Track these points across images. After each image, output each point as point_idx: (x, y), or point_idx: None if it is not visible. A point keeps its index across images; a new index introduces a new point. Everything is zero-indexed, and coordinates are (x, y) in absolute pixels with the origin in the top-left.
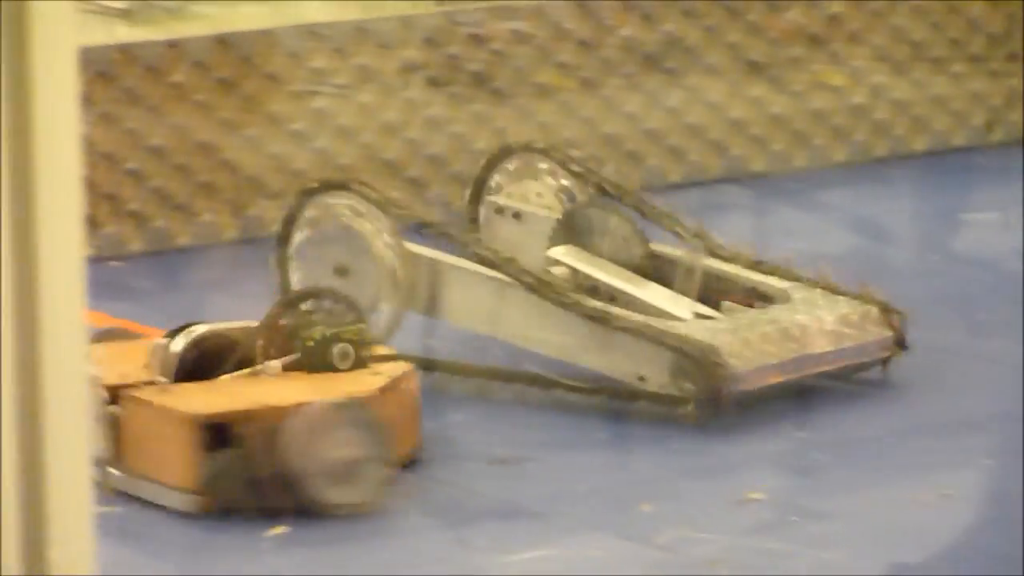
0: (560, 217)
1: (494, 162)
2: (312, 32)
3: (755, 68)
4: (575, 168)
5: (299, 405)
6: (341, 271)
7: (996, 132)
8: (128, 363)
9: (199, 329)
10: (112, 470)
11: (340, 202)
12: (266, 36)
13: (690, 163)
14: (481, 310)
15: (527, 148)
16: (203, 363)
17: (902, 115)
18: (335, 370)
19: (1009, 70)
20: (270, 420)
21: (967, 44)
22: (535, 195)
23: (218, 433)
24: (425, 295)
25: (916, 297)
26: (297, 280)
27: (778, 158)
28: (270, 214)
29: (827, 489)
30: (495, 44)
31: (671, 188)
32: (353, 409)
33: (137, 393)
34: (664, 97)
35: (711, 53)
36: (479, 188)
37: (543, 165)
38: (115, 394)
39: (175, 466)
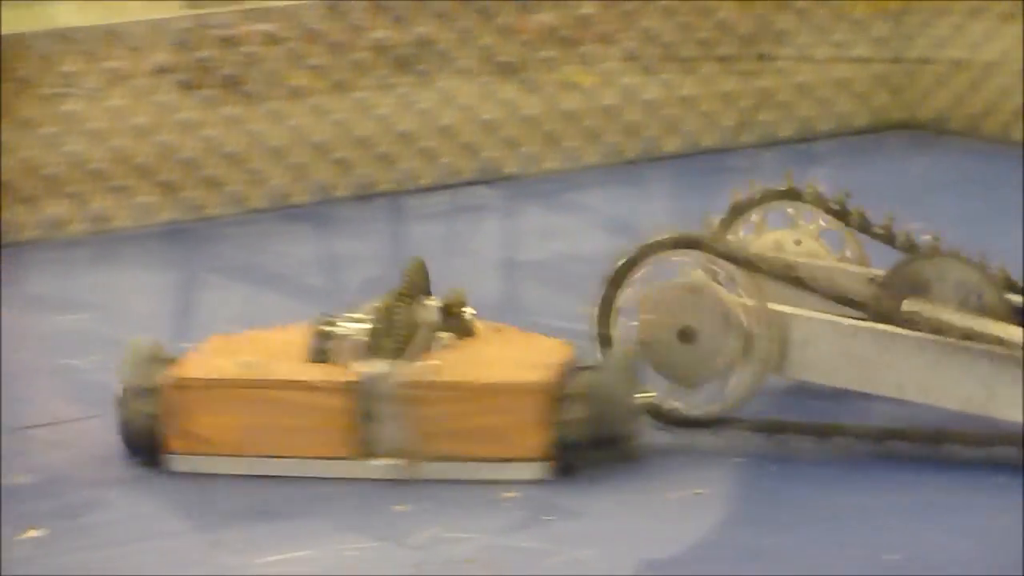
0: (888, 272)
1: (734, 216)
2: (63, 36)
3: (507, 70)
4: (832, 207)
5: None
6: (686, 335)
7: (746, 133)
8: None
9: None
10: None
11: (685, 259)
12: (16, 40)
13: (442, 165)
14: (857, 363)
15: (768, 195)
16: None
17: (653, 116)
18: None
19: (759, 70)
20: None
21: (716, 45)
22: (792, 243)
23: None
24: (780, 353)
25: None
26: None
27: (530, 160)
28: (21, 218)
29: (581, 487)
30: (246, 47)
31: (423, 191)
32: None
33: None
34: (416, 99)
35: (463, 55)
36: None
37: (790, 210)
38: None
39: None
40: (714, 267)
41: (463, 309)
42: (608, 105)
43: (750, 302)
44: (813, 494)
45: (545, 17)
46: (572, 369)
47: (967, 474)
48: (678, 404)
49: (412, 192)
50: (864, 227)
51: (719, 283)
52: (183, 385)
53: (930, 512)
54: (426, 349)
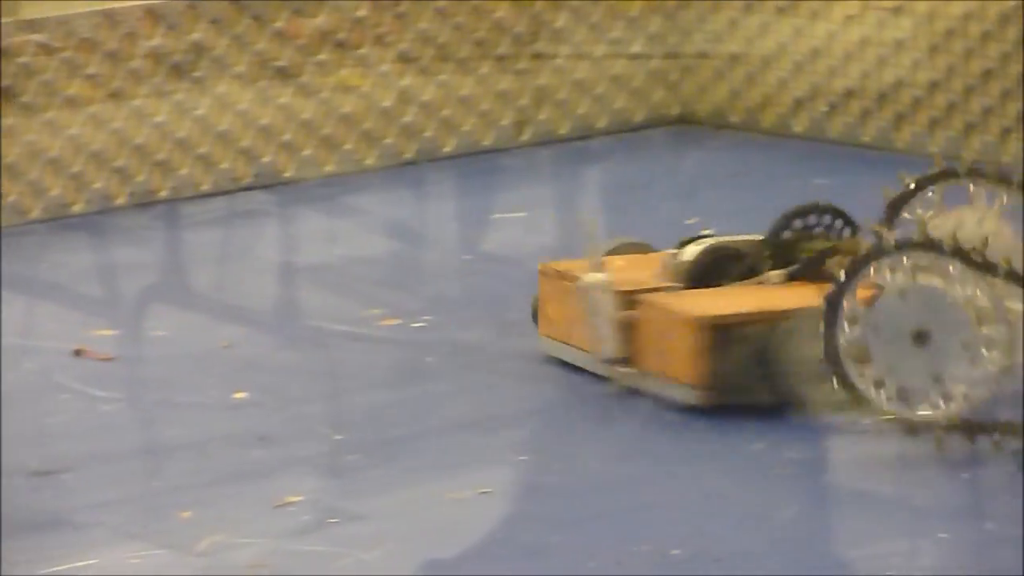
0: None
1: (907, 196)
2: None
3: (283, 74)
4: (1015, 180)
5: (798, 310)
6: (920, 337)
7: (524, 132)
8: (642, 272)
9: (709, 240)
10: (626, 368)
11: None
12: None
13: (220, 171)
14: None
15: (945, 174)
16: (712, 271)
17: (431, 117)
18: (831, 281)
19: (535, 69)
20: (771, 323)
21: (493, 45)
22: (975, 223)
23: (724, 334)
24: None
25: (451, 298)
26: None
27: (308, 164)
28: None
29: (365, 490)
30: (21, 58)
31: (202, 197)
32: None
33: (652, 298)
34: (193, 106)
35: (238, 61)
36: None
37: (971, 188)
38: (632, 299)
39: (684, 364)
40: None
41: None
42: (385, 107)
43: (989, 303)
44: (599, 490)
45: (320, 21)
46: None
47: (753, 465)
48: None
49: (191, 199)
50: None
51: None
52: None
53: (715, 504)
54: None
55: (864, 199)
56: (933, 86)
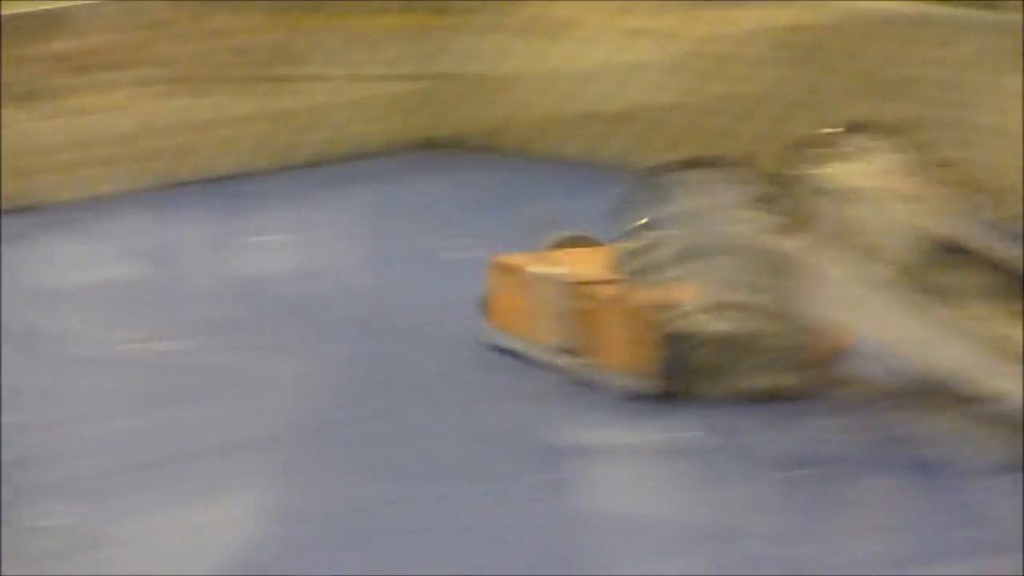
0: None
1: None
2: None
3: (21, 98)
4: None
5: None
6: None
7: (265, 157)
8: (592, 264)
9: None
10: (577, 358)
11: None
12: None
13: None
14: None
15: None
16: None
17: (169, 142)
18: None
19: (277, 92)
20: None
21: (233, 68)
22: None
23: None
24: None
25: (201, 321)
26: None
27: (47, 189)
28: None
29: (120, 514)
30: None
31: None
32: None
33: (601, 290)
34: None
35: None
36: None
37: (867, 144)
38: (581, 290)
39: (631, 353)
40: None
41: None
42: (124, 132)
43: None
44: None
45: (59, 45)
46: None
47: (484, 488)
48: None
49: None
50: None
51: None
52: None
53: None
54: None
55: (606, 218)
56: (672, 107)
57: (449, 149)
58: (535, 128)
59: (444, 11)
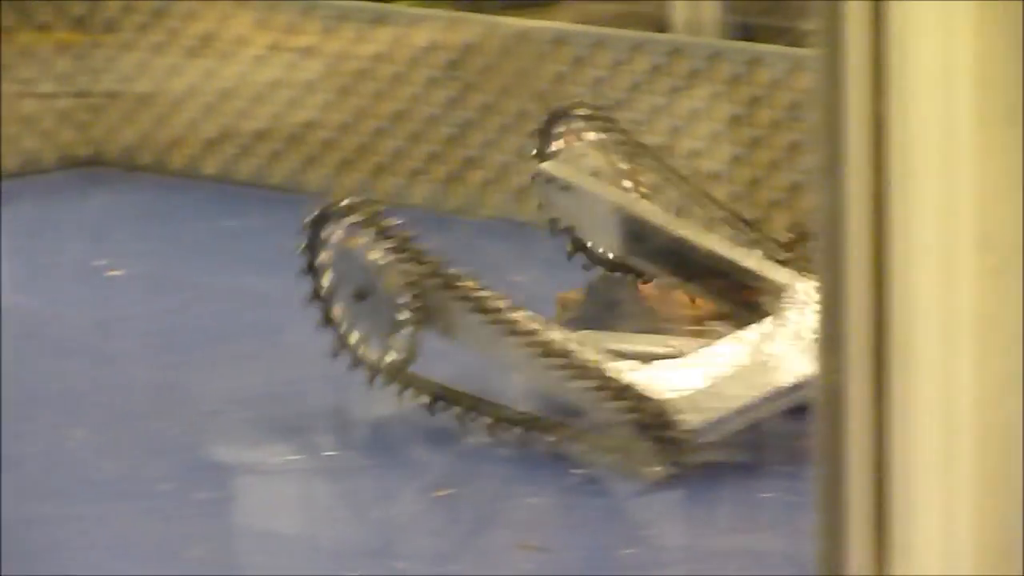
0: None
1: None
2: None
3: None
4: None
5: None
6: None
7: None
8: None
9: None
10: None
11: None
12: None
13: None
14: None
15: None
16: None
17: None
18: None
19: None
20: None
21: None
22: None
23: None
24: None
25: None
26: None
27: None
28: None
29: None
30: None
31: None
32: None
33: None
34: None
35: None
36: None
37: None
38: None
39: None
40: None
41: None
42: None
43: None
44: None
45: None
46: None
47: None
48: None
49: None
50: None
51: None
52: None
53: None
54: None
55: (274, 241)
56: (343, 128)
57: (118, 168)
58: (204, 148)
59: (115, 28)
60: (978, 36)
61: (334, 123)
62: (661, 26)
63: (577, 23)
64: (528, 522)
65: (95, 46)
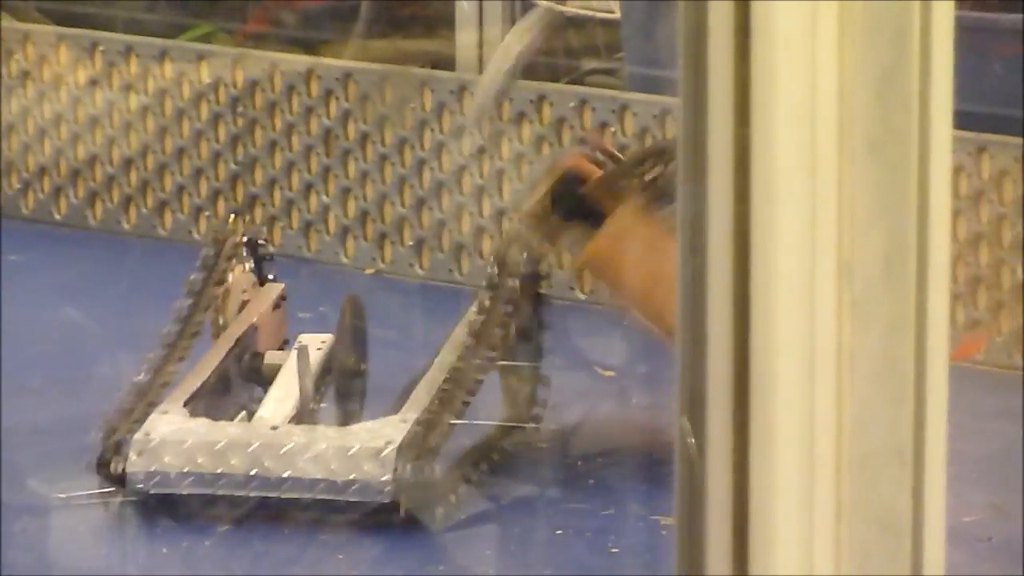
0: None
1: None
2: None
3: None
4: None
5: None
6: None
7: None
8: None
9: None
10: None
11: None
12: None
13: None
14: None
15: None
16: None
17: None
18: None
19: None
20: None
21: None
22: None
23: None
24: None
25: None
26: None
27: None
28: None
29: None
30: None
31: None
32: None
33: None
34: None
35: None
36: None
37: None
38: None
39: None
40: None
41: None
42: None
43: None
44: None
45: None
46: None
47: None
48: None
49: None
50: None
51: None
52: None
53: None
54: None
55: (57, 276)
56: (127, 162)
57: None
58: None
59: None
60: (841, 74)
61: (118, 158)
62: (449, 65)
63: (363, 63)
64: None
65: None
